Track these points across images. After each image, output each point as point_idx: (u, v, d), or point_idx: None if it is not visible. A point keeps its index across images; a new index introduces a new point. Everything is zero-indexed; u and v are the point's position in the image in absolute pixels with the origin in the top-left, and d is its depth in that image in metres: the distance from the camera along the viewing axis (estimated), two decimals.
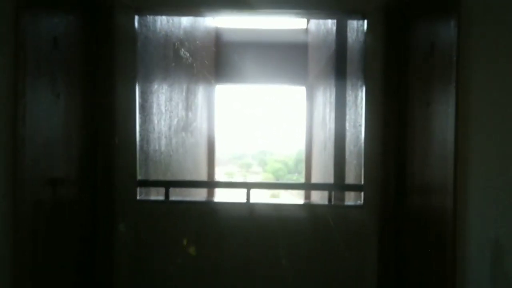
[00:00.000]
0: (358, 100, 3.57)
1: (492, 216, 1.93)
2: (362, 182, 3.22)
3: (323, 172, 5.78)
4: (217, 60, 7.93)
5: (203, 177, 7.13)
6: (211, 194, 6.89)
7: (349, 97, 3.85)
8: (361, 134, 3.37)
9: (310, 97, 8.00)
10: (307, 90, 8.24)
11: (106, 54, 3.07)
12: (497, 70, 1.93)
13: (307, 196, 7.45)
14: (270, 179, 16.86)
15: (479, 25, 2.02)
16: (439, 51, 2.36)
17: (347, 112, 3.87)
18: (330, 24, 5.18)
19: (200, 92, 6.30)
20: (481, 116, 1.99)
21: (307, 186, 5.17)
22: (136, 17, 3.24)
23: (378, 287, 3.08)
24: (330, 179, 4.95)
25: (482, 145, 1.97)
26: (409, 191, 2.84)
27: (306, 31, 8.07)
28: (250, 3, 3.16)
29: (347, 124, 3.87)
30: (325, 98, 5.96)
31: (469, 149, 2.02)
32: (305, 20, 8.14)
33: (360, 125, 3.41)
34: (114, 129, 3.09)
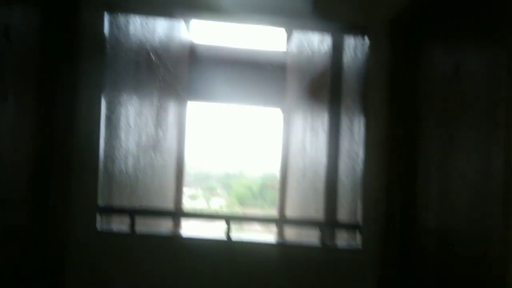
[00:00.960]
0: (354, 127, 3.19)
1: None
2: (360, 221, 2.82)
3: (302, 205, 5.35)
4: (190, 75, 7.53)
5: (170, 201, 6.59)
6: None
7: (343, 123, 3.47)
8: (357, 165, 2.98)
9: (287, 121, 7.64)
10: (283, 113, 7.88)
11: (69, 54, 2.62)
12: None
13: (279, 229, 7.00)
14: (234, 204, 16.38)
15: None
16: (468, 74, 2.00)
17: (340, 139, 3.48)
18: (316, 44, 4.84)
19: (171, 107, 5.83)
20: None
21: (293, 222, 4.71)
22: (106, 15, 2.80)
23: None
24: (311, 212, 4.53)
25: None
26: (419, 236, 2.44)
27: (285, 52, 7.77)
28: (232, 7, 2.79)
29: (340, 153, 3.47)
30: (305, 123, 5.59)
31: None
32: (284, 41, 7.87)
33: (357, 154, 3.02)
34: (73, 143, 2.62)
